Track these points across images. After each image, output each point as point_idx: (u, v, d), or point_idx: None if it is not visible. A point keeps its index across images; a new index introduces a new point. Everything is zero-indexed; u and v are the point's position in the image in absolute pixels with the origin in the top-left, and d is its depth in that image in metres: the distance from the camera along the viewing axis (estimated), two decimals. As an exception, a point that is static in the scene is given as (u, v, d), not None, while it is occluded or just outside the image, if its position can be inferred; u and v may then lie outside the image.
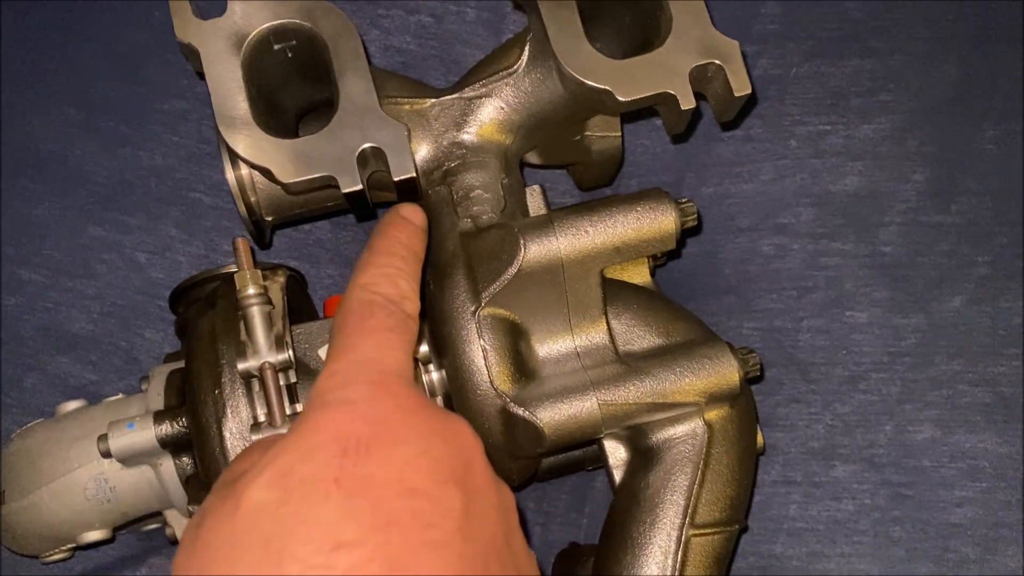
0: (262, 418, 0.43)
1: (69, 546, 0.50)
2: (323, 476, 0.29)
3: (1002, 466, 0.56)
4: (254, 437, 0.42)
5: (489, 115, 0.48)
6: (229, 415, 0.43)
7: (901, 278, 0.60)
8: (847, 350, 0.59)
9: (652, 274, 0.55)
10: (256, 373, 0.43)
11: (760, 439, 0.51)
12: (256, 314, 0.43)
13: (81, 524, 0.48)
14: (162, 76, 0.64)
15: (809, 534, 0.56)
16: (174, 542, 0.51)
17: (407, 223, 0.41)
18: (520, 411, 0.45)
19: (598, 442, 0.49)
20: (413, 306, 0.37)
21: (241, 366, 0.43)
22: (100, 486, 0.47)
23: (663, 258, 0.56)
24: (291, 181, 0.42)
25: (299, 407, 0.44)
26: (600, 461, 0.54)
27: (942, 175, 0.61)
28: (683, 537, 0.45)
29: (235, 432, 0.43)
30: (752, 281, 0.61)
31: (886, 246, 0.61)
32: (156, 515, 0.50)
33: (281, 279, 0.47)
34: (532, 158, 0.55)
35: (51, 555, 0.51)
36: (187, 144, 0.64)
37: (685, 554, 0.45)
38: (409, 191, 0.44)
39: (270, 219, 0.51)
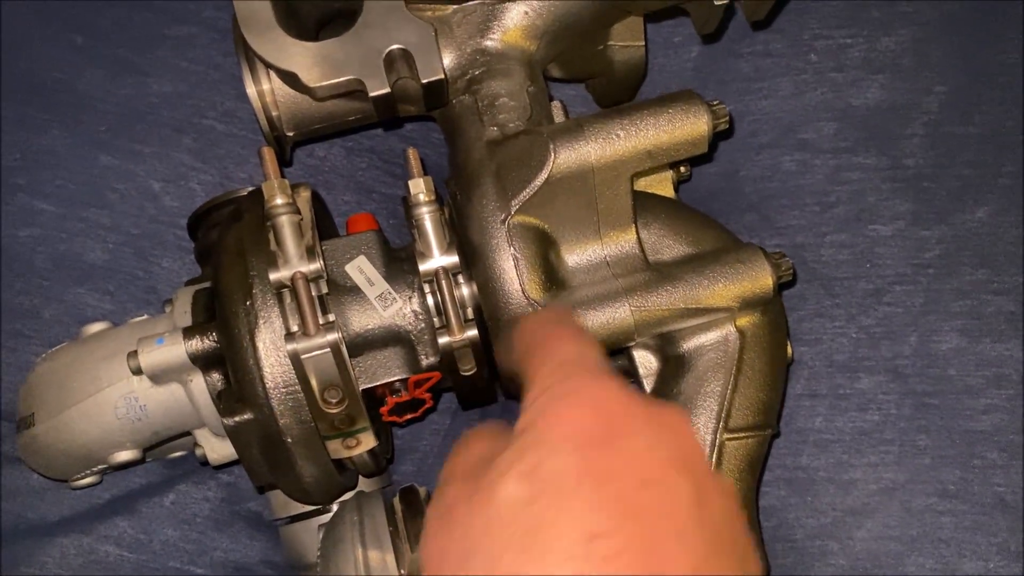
0: (295, 328, 0.43)
1: (99, 467, 0.50)
2: (570, 469, 0.30)
3: (1027, 373, 0.56)
4: (288, 347, 0.42)
5: (513, 21, 0.47)
6: (262, 326, 0.43)
7: (924, 190, 0.60)
8: (871, 263, 0.59)
9: (676, 191, 0.55)
10: (287, 283, 0.43)
11: (789, 348, 0.51)
12: (286, 223, 0.43)
13: (112, 443, 0.48)
14: (169, 0, 0.63)
15: (835, 445, 0.57)
16: (204, 463, 0.51)
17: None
18: (553, 318, 0.45)
19: (628, 352, 0.49)
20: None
21: (272, 276, 0.43)
22: (130, 404, 0.47)
23: (687, 172, 0.56)
24: (317, 85, 0.41)
25: (331, 317, 0.44)
26: (627, 376, 0.54)
27: (964, 86, 0.61)
28: (717, 441, 0.45)
29: (268, 343, 0.43)
30: (774, 198, 0.61)
31: (909, 158, 0.60)
32: (186, 435, 0.50)
33: (307, 192, 0.46)
34: (554, 71, 0.54)
35: (81, 479, 0.51)
36: (197, 70, 0.62)
37: (719, 458, 0.45)
38: (436, 96, 0.43)
39: (291, 135, 0.50)
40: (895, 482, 0.55)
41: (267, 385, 0.43)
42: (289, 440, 0.44)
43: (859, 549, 0.55)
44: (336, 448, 0.46)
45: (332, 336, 0.42)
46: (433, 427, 0.61)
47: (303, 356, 0.42)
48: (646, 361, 0.49)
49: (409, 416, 0.49)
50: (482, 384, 0.49)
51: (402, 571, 0.46)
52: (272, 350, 0.43)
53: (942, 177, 0.60)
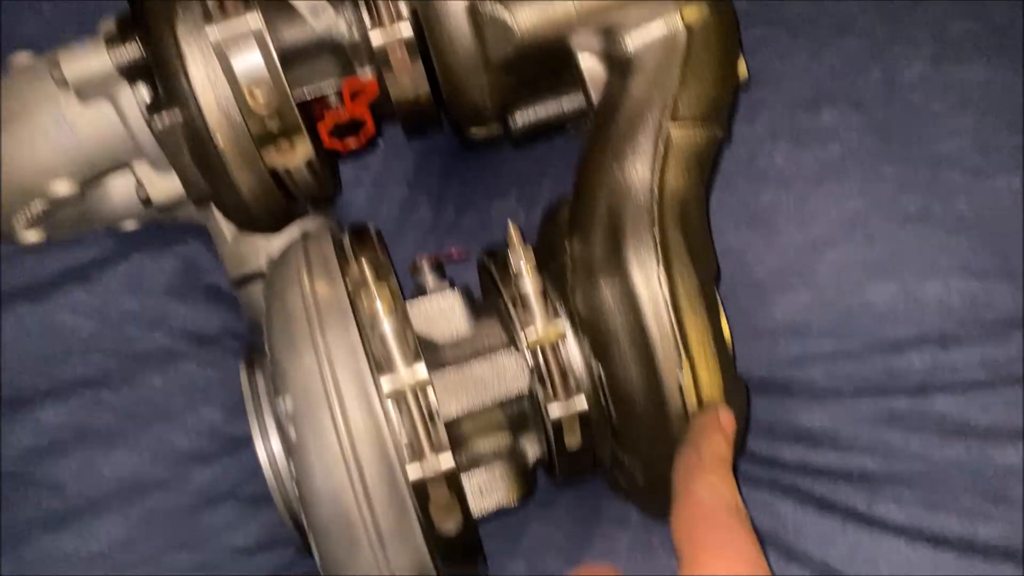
0: (213, 11, 0.41)
1: (39, 206, 0.49)
2: None
3: (991, 93, 0.54)
4: (207, 30, 0.40)
5: None
6: (181, 14, 0.41)
7: (889, -81, 0.57)
8: (834, -2, 0.57)
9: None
10: (203, -33, 0.41)
11: (743, 68, 0.49)
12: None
13: (45, 170, 0.47)
14: None
15: (797, 180, 0.55)
16: (147, 202, 0.50)
17: (726, 435, 0.42)
18: (488, 6, 0.43)
19: (573, 60, 0.47)
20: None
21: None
22: (60, 125, 0.46)
23: None
24: None
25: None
26: (583, 120, 0.53)
27: None
28: (663, 130, 0.44)
29: (187, 34, 0.41)
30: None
31: None
32: (124, 167, 0.49)
33: None
34: None
35: (22, 228, 0.50)
36: None
37: (666, 149, 0.44)
38: None
39: None
40: (857, 211, 0.54)
41: (191, 77, 0.41)
42: (220, 141, 0.43)
43: (821, 280, 0.54)
44: (271, 157, 0.45)
45: (252, 15, 0.40)
46: (390, 196, 0.60)
47: (223, 38, 0.40)
48: (593, 70, 0.47)
49: (351, 141, 0.48)
50: (424, 102, 0.47)
51: (348, 289, 0.46)
52: (192, 41, 0.41)
53: (907, -96, 0.57)
